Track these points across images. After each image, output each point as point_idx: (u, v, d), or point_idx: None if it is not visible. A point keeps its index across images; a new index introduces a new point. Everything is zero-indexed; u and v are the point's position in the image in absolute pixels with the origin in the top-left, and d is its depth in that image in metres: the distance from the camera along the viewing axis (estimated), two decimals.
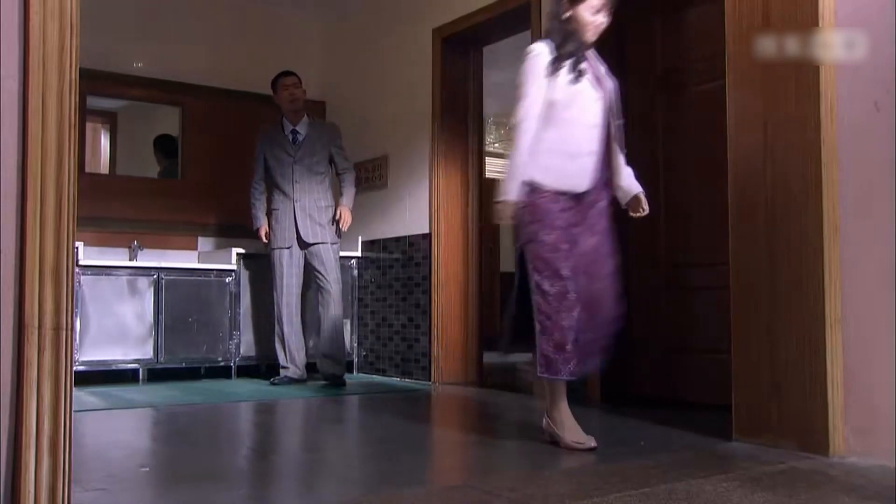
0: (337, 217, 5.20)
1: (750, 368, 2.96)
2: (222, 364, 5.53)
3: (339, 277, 5.23)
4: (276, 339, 5.24)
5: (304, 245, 5.17)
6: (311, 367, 5.33)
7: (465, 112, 5.48)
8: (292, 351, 5.19)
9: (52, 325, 1.73)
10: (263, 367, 5.58)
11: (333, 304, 5.15)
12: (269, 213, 5.31)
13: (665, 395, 4.16)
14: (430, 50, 5.48)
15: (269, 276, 5.30)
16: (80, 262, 5.02)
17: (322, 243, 5.15)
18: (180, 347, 5.35)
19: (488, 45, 5.52)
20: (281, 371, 5.20)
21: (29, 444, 1.69)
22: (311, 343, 5.39)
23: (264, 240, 5.27)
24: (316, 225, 5.15)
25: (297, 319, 5.23)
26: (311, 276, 5.22)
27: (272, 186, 5.28)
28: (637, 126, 4.36)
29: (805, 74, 2.83)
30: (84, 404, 4.10)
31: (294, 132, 5.27)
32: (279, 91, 5.29)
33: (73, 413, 1.78)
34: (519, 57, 3.05)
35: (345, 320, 5.52)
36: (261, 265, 5.67)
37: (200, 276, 5.51)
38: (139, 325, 5.24)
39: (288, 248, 5.17)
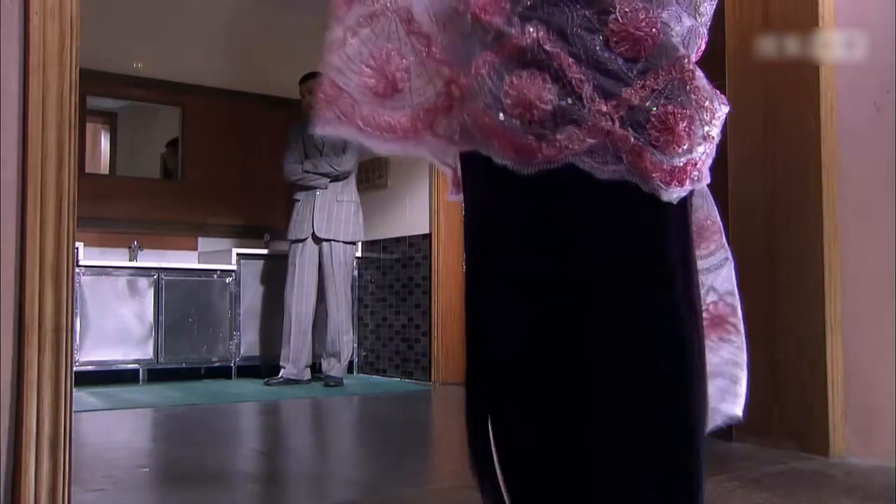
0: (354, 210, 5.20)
1: (749, 368, 2.95)
2: (222, 364, 5.52)
3: (346, 279, 5.22)
4: (284, 334, 5.23)
5: (317, 240, 5.16)
6: (314, 368, 5.33)
7: None
8: (295, 350, 5.17)
9: (52, 325, 1.73)
10: (264, 367, 5.58)
11: (338, 304, 5.14)
12: (291, 204, 5.31)
13: None
14: None
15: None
16: (81, 263, 5.02)
17: (334, 240, 5.14)
18: (180, 348, 5.35)
19: None
20: (280, 370, 5.19)
21: (29, 445, 1.69)
22: (315, 342, 5.37)
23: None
24: (332, 220, 5.13)
25: (306, 318, 5.17)
26: (321, 273, 5.21)
27: None
28: None
29: (805, 74, 2.83)
30: (84, 405, 4.10)
31: None
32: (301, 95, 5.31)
33: (73, 413, 1.78)
34: None
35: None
36: (261, 265, 5.68)
37: (200, 277, 5.51)
38: (139, 326, 5.24)
39: (303, 240, 5.14)
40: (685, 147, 1.03)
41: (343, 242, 5.15)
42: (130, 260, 5.64)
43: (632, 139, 1.01)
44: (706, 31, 1.16)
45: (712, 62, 3.78)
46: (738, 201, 3.04)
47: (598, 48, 1.02)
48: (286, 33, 6.49)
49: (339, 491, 2.49)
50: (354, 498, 2.34)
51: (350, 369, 5.75)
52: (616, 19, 1.02)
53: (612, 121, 1.01)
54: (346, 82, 1.11)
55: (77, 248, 4.88)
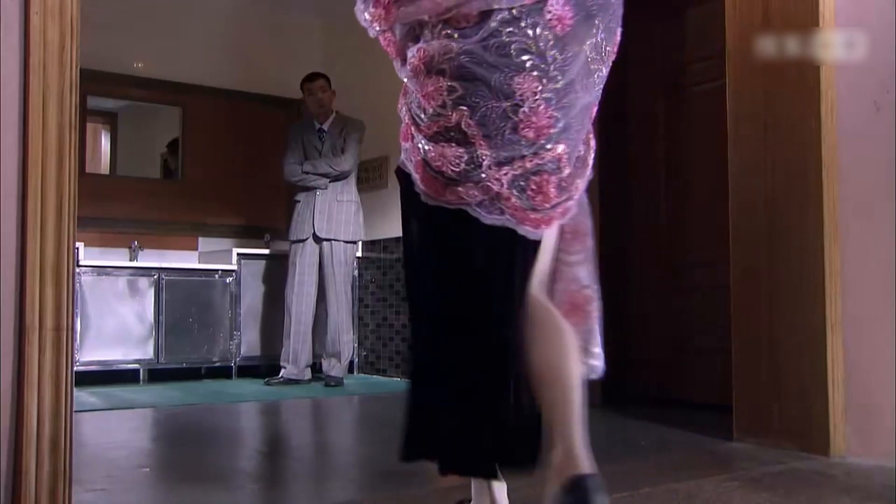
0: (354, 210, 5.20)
1: (750, 368, 2.96)
2: (223, 364, 5.52)
3: (347, 279, 5.22)
4: (284, 334, 5.23)
5: (318, 240, 5.16)
6: (315, 368, 5.33)
7: None
8: (296, 350, 5.17)
9: (52, 325, 1.73)
10: (264, 367, 5.58)
11: (338, 304, 5.14)
12: (291, 205, 5.31)
13: (665, 395, 4.16)
14: None
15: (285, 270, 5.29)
16: (81, 263, 5.02)
17: (335, 240, 5.14)
18: (181, 348, 5.35)
19: None
20: (280, 370, 5.19)
21: (29, 445, 1.69)
22: (315, 342, 5.37)
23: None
24: (332, 221, 5.13)
25: (306, 318, 5.17)
26: (321, 273, 5.21)
27: None
28: (638, 126, 4.36)
29: (805, 74, 2.83)
30: (84, 404, 4.10)
31: (321, 130, 5.27)
32: (306, 95, 5.29)
33: (73, 413, 1.78)
34: None
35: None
36: (261, 265, 5.67)
37: (201, 277, 5.51)
38: (140, 326, 5.24)
39: (304, 240, 5.14)
40: (553, 203, 1.51)
41: (343, 242, 5.15)
42: (131, 260, 5.64)
43: (514, 199, 1.48)
44: (601, 92, 1.58)
45: (713, 62, 3.79)
46: (738, 201, 3.04)
47: (507, 132, 1.45)
48: (286, 33, 6.49)
49: (339, 491, 2.49)
50: (354, 498, 2.34)
51: (350, 369, 5.75)
52: (525, 111, 1.45)
53: (502, 184, 1.47)
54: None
55: (77, 248, 4.88)
